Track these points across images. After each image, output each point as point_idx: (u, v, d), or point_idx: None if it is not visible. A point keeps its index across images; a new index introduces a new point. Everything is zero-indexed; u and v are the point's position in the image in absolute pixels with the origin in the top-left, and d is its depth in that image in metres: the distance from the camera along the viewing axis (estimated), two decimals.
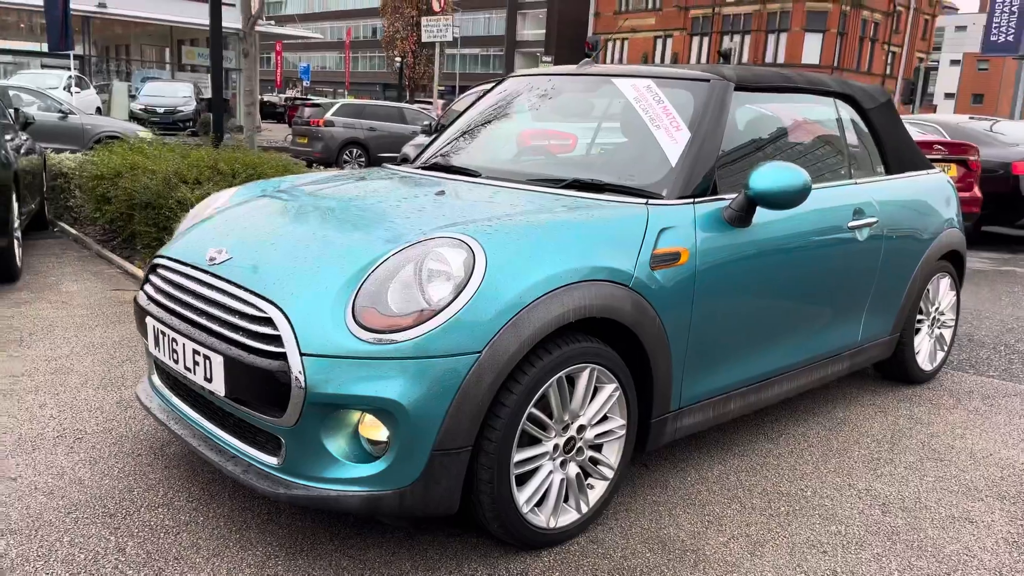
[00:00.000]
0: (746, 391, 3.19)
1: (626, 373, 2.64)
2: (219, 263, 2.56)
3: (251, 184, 3.42)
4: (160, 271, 2.81)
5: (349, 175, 3.49)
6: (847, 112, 3.83)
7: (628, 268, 2.58)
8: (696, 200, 2.89)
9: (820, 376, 3.62)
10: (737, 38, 49.68)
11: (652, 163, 3.04)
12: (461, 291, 2.25)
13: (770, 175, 2.85)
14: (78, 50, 28.85)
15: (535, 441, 2.47)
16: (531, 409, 2.38)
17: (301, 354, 2.19)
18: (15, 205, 5.71)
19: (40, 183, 7.62)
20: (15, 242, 5.62)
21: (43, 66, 26.59)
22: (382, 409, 2.20)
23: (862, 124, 3.91)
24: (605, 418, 2.68)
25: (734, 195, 2.96)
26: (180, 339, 2.51)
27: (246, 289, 2.39)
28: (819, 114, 3.73)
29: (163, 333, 2.61)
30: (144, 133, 14.65)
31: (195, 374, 2.47)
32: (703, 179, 2.95)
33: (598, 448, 2.70)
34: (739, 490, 3.02)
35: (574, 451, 2.58)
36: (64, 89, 21.14)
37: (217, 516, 2.62)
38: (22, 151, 6.57)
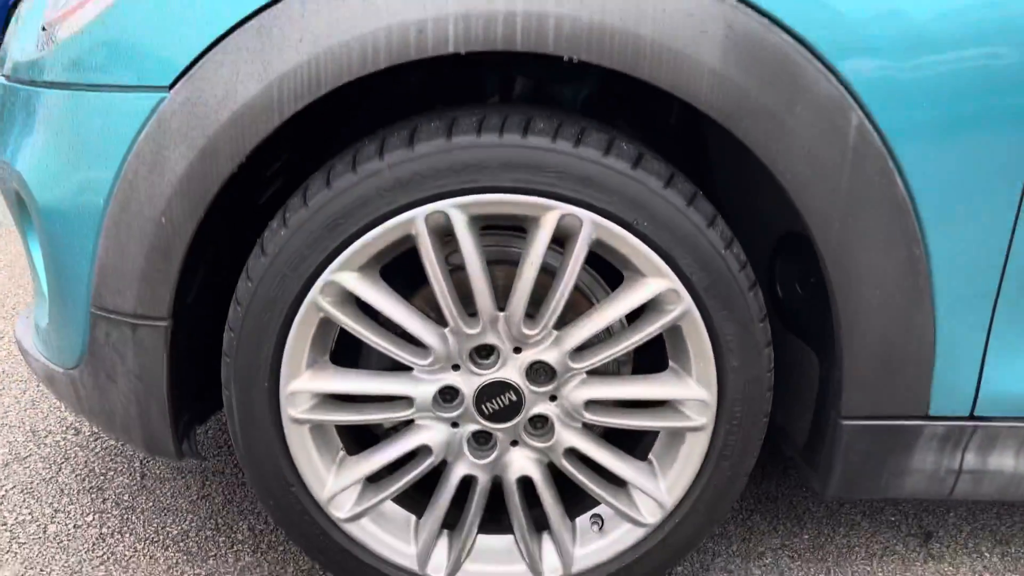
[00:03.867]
0: None
1: (714, 262, 0.92)
2: None
3: None
4: None
5: None
6: None
7: None
8: None
9: None
10: None
11: None
12: None
13: None
14: None
15: (400, 368, 1.00)
16: (335, 276, 0.92)
17: None
18: None
19: None
20: None
21: None
22: (16, 191, 1.05)
23: None
24: (645, 367, 1.02)
25: None
26: None
27: None
28: None
29: None
30: None
31: None
32: None
33: (618, 439, 1.06)
34: None
35: (518, 420, 1.00)
36: None
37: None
38: None
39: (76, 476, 1.37)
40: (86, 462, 1.40)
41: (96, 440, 1.47)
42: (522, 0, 0.82)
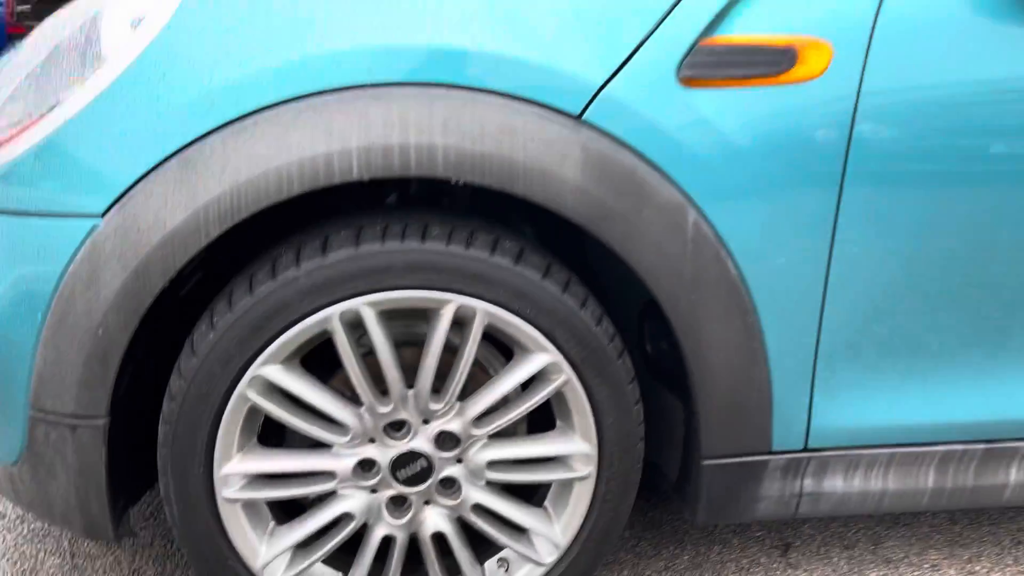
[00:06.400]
0: None
1: (587, 338, 1.09)
2: None
3: None
4: None
5: None
6: None
7: (588, 71, 1.00)
8: None
9: None
10: None
11: None
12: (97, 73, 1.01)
13: None
14: None
15: (322, 446, 1.12)
16: (261, 371, 1.05)
17: None
18: None
19: None
20: None
21: None
22: None
23: None
24: (540, 430, 1.18)
25: None
26: None
27: None
28: None
29: None
30: None
31: None
32: None
33: (517, 490, 1.21)
34: None
35: (429, 483, 1.15)
36: None
37: None
38: None
39: (7, 560, 1.42)
40: (15, 545, 1.46)
41: (23, 523, 1.52)
42: (414, 134, 0.98)
